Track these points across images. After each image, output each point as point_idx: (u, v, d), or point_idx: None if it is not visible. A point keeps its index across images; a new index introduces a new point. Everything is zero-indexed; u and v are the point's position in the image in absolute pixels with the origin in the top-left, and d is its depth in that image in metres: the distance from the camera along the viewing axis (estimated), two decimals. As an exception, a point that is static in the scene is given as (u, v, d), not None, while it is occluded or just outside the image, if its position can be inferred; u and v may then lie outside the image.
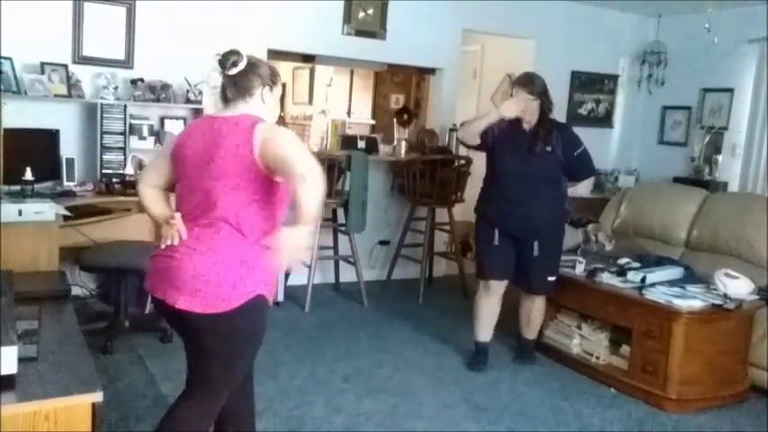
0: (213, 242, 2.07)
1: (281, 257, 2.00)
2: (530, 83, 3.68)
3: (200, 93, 4.61)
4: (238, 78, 2.17)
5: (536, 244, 3.73)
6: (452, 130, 5.76)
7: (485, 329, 3.93)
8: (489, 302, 3.89)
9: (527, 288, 3.91)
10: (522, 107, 3.62)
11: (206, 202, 2.09)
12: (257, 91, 2.19)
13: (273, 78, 2.25)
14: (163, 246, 2.12)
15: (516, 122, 3.71)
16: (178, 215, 2.13)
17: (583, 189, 6.21)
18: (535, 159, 3.65)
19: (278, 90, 2.29)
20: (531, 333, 4.04)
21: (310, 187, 1.96)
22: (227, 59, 2.17)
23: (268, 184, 2.09)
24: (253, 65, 2.19)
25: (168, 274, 2.09)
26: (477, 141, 3.74)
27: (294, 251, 2.01)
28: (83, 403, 1.69)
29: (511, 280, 3.88)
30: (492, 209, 3.80)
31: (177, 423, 2.18)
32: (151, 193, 2.28)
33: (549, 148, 3.65)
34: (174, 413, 2.20)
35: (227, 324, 2.08)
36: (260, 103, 2.21)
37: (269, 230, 2.10)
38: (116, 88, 4.35)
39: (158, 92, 4.45)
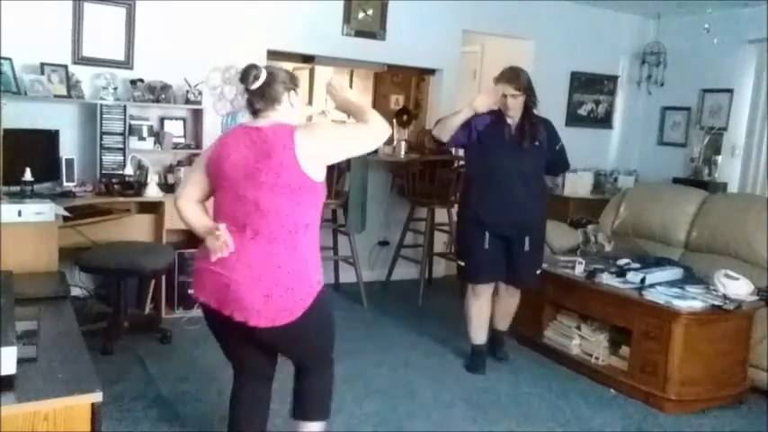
0: (270, 254, 2.16)
1: None
2: (515, 78, 3.60)
3: (200, 93, 4.61)
4: (264, 90, 2.25)
5: (527, 239, 3.71)
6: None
7: (479, 331, 3.89)
8: (480, 304, 3.85)
9: (515, 283, 3.89)
10: (494, 100, 3.57)
11: (254, 212, 2.16)
12: (284, 97, 2.28)
13: (294, 81, 2.34)
14: (213, 258, 2.18)
15: (500, 119, 3.66)
16: (223, 226, 2.18)
17: (583, 189, 6.22)
18: (524, 155, 3.63)
19: (301, 91, 2.38)
20: (506, 325, 4.07)
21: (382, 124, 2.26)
22: (247, 75, 2.24)
23: (310, 186, 2.19)
24: (272, 74, 2.26)
25: (233, 293, 2.16)
26: (447, 138, 3.68)
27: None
28: (82, 403, 1.69)
29: (500, 280, 3.86)
30: (482, 209, 3.68)
31: (315, 395, 2.50)
32: (191, 208, 2.35)
33: (536, 143, 3.65)
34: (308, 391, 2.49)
35: (305, 324, 2.21)
36: (289, 108, 2.30)
37: (309, 231, 2.23)
38: (116, 89, 4.35)
39: (158, 92, 4.45)
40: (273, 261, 2.16)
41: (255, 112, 2.28)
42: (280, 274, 2.16)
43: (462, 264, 3.84)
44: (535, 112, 3.71)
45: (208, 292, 2.23)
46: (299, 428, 2.51)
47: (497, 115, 3.67)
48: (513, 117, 3.65)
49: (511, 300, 3.98)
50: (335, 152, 2.31)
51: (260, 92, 2.24)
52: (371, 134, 2.27)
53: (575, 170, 6.28)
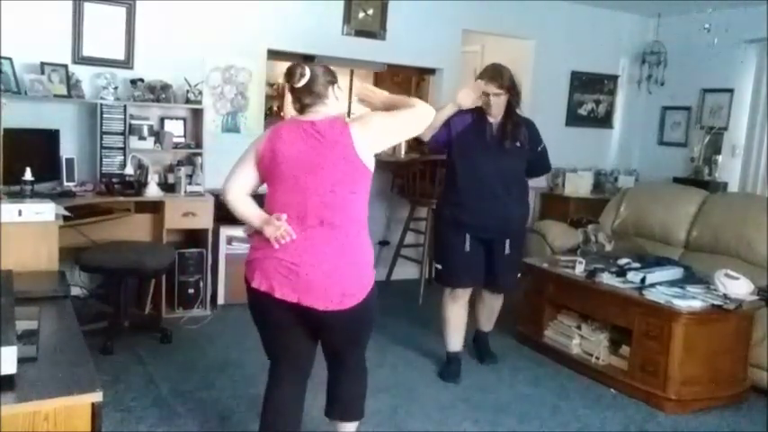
0: (334, 241, 2.27)
1: None
2: (498, 76, 3.48)
3: (200, 93, 4.61)
4: (310, 86, 2.35)
5: (507, 242, 3.63)
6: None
7: (456, 338, 3.77)
8: (457, 310, 3.73)
9: (494, 288, 3.80)
10: (478, 95, 3.45)
11: (316, 203, 2.27)
12: (330, 91, 2.39)
13: (334, 75, 2.45)
14: (276, 246, 2.26)
15: (481, 118, 3.56)
16: (284, 216, 2.27)
17: (583, 189, 6.22)
18: (506, 155, 3.53)
19: (341, 81, 2.50)
20: (491, 326, 4.04)
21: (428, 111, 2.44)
22: (293, 74, 2.34)
23: (366, 175, 2.33)
24: (314, 71, 2.37)
25: (302, 278, 2.25)
26: (429, 137, 3.51)
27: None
28: (82, 403, 1.69)
29: (479, 284, 3.77)
30: (464, 211, 3.55)
31: (351, 395, 2.58)
32: (243, 200, 2.41)
33: (518, 144, 3.54)
34: (348, 387, 2.58)
35: (363, 308, 2.34)
36: (335, 101, 2.42)
37: (364, 219, 2.37)
38: (116, 88, 4.35)
39: (158, 92, 4.45)
40: (337, 247, 2.27)
41: (303, 108, 2.38)
42: (344, 260, 2.28)
43: (440, 267, 3.71)
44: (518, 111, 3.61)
45: (270, 280, 2.29)
46: (336, 428, 2.59)
47: (479, 114, 3.55)
48: (496, 116, 3.54)
49: (495, 302, 3.91)
50: (388, 138, 2.43)
51: (307, 89, 2.34)
52: (418, 117, 2.43)
53: (575, 170, 6.30)
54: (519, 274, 3.83)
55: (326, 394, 2.61)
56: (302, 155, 2.28)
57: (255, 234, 2.38)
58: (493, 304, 3.94)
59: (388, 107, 2.52)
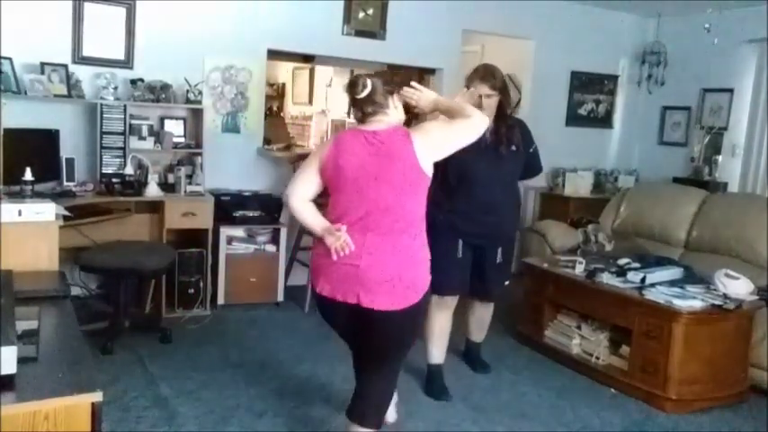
0: (395, 244, 2.40)
1: None
2: (490, 76, 3.36)
3: (200, 93, 4.61)
4: (372, 97, 2.46)
5: (500, 250, 3.52)
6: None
7: (439, 349, 3.60)
8: (444, 318, 3.57)
9: (483, 296, 3.69)
10: (473, 100, 3.16)
11: (379, 210, 2.39)
12: (390, 101, 2.50)
13: (391, 85, 2.54)
14: (334, 257, 2.39)
15: None
16: (344, 228, 2.39)
17: (583, 189, 6.22)
18: (502, 161, 3.39)
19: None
20: (482, 336, 3.93)
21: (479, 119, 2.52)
22: (356, 85, 2.46)
23: (426, 182, 2.45)
24: (374, 82, 2.47)
25: (360, 279, 2.38)
26: None
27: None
28: (82, 403, 1.69)
29: (467, 292, 3.63)
30: (458, 218, 3.39)
31: (374, 400, 2.63)
32: (306, 207, 2.53)
33: (513, 147, 3.41)
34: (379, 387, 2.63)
35: (416, 311, 2.47)
36: (394, 109, 2.53)
37: (423, 224, 2.50)
38: (116, 88, 4.35)
39: (158, 92, 4.45)
40: (397, 251, 2.40)
41: (364, 117, 2.49)
42: (403, 263, 2.41)
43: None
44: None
45: (333, 284, 2.43)
46: (350, 428, 2.62)
47: None
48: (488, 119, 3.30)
49: (486, 311, 3.83)
50: (447, 148, 2.49)
51: (369, 99, 2.45)
52: (475, 128, 2.52)
53: (575, 170, 6.30)
54: (507, 282, 3.68)
55: (353, 396, 2.67)
56: (366, 164, 2.40)
57: (317, 241, 2.51)
58: (483, 314, 3.85)
59: (437, 110, 2.67)
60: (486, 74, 3.38)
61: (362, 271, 2.37)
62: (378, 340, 2.52)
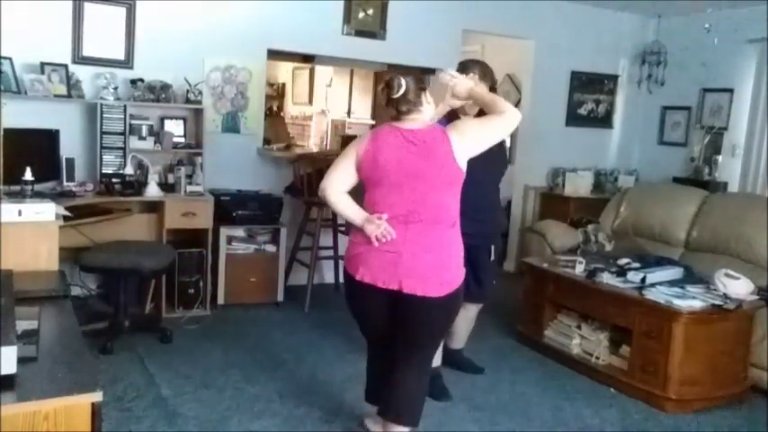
0: (433, 236, 2.54)
1: None
2: (475, 66, 3.32)
3: (200, 93, 4.61)
4: (407, 96, 2.56)
5: (492, 248, 3.52)
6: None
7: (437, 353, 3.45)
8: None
9: (479, 297, 3.55)
10: (472, 84, 2.92)
11: (418, 204, 2.52)
12: (422, 98, 2.60)
13: (423, 82, 2.72)
14: (376, 244, 2.52)
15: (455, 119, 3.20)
16: (385, 217, 2.53)
17: (583, 189, 6.22)
18: (492, 160, 3.16)
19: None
20: (458, 343, 3.79)
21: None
22: (392, 86, 2.57)
23: (461, 178, 2.57)
24: (408, 81, 2.57)
25: (404, 266, 2.51)
26: None
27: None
28: (82, 403, 1.69)
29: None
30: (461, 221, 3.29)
31: (410, 397, 2.69)
32: (343, 199, 2.64)
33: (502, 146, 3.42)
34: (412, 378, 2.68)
35: (455, 298, 2.61)
36: (427, 105, 2.64)
37: (458, 216, 2.61)
38: (116, 88, 4.35)
39: (158, 92, 4.45)
40: (435, 240, 2.54)
41: (399, 115, 2.60)
42: (442, 252, 2.55)
43: None
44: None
45: (374, 271, 2.55)
46: (387, 428, 2.69)
47: (450, 118, 3.04)
48: (470, 115, 3.19)
49: (473, 313, 3.68)
50: (482, 145, 2.60)
51: (404, 98, 2.56)
52: (509, 123, 2.62)
53: (575, 170, 6.30)
54: (494, 281, 3.65)
55: (386, 393, 2.70)
56: (405, 161, 2.53)
57: (355, 230, 2.63)
58: (473, 315, 3.71)
59: (472, 99, 2.84)
60: (471, 63, 3.37)
61: (405, 258, 2.51)
62: (416, 327, 2.62)
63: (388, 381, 2.70)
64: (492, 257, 3.56)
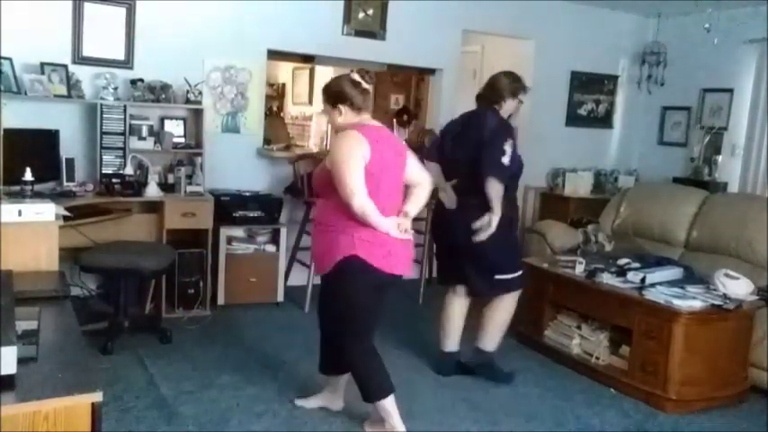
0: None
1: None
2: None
3: (200, 93, 4.61)
4: (369, 93, 2.80)
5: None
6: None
7: (452, 339, 3.77)
8: (451, 308, 3.75)
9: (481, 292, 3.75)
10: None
11: (396, 199, 2.84)
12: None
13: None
14: (401, 237, 2.80)
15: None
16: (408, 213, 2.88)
17: (583, 189, 6.22)
18: None
19: None
20: (490, 344, 3.77)
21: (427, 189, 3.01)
22: (364, 77, 2.75)
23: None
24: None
25: (397, 255, 2.81)
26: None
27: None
28: (82, 403, 1.69)
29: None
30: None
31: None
32: (373, 206, 2.72)
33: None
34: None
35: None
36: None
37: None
38: (116, 88, 4.35)
39: (158, 92, 4.45)
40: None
41: (359, 111, 2.78)
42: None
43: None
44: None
45: (403, 262, 2.86)
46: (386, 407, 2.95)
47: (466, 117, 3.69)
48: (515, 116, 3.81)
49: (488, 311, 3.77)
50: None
51: (369, 95, 2.78)
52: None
53: (575, 170, 6.30)
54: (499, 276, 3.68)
55: (386, 373, 2.96)
56: (394, 158, 2.79)
57: (364, 228, 2.73)
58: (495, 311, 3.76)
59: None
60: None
61: (406, 245, 2.86)
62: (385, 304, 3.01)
63: (380, 359, 2.96)
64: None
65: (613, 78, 6.62)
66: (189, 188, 4.46)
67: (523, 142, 6.19)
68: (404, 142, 2.83)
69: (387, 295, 2.97)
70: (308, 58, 5.53)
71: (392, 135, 2.91)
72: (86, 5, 4.30)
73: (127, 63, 4.49)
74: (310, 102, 8.62)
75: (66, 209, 3.54)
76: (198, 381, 3.45)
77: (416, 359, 3.99)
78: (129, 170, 4.24)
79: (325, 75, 8.27)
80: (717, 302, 3.52)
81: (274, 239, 4.77)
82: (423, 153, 3.69)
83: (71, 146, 4.31)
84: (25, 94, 4.03)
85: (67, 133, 4.29)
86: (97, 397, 1.70)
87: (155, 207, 4.39)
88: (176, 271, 4.31)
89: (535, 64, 6.13)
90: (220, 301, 4.61)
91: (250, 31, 4.85)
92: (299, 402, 3.24)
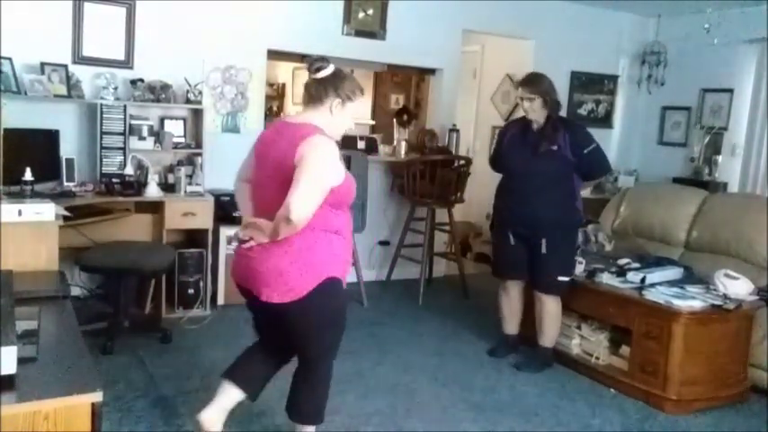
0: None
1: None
2: (530, 82, 3.77)
3: (200, 93, 4.61)
4: (315, 85, 2.34)
5: (544, 242, 3.74)
6: (452, 130, 5.76)
7: (507, 324, 4.12)
8: (508, 299, 4.05)
9: (534, 285, 3.90)
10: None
11: (268, 199, 2.29)
12: (328, 101, 2.34)
13: (351, 94, 2.38)
14: (247, 246, 2.32)
15: (527, 124, 3.81)
16: (256, 220, 2.33)
17: (583, 190, 6.21)
18: (540, 158, 3.70)
19: (352, 106, 2.40)
20: (542, 339, 3.93)
21: (288, 226, 2.17)
22: (312, 64, 2.37)
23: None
24: (335, 75, 2.35)
25: (253, 270, 2.35)
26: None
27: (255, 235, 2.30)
28: (82, 403, 1.69)
29: (523, 278, 3.94)
30: (503, 209, 3.93)
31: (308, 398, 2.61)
32: (241, 188, 2.53)
33: (554, 147, 3.69)
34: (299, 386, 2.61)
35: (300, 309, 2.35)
36: (328, 114, 2.35)
37: (329, 223, 2.33)
38: (116, 88, 4.35)
39: (158, 92, 4.45)
40: (281, 244, 2.32)
41: (303, 106, 2.43)
42: (283, 257, 2.32)
43: (492, 260, 4.18)
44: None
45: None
46: (296, 429, 2.61)
47: (527, 121, 3.81)
48: (536, 120, 3.76)
49: (541, 307, 3.89)
50: (294, 180, 2.21)
51: (312, 86, 2.35)
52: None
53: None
54: (561, 278, 3.78)
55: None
56: (265, 149, 2.43)
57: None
58: (539, 310, 3.89)
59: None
60: (526, 79, 3.81)
61: (254, 260, 2.38)
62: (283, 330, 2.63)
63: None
64: (544, 250, 3.74)
65: (613, 78, 6.63)
66: (189, 188, 4.46)
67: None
68: (302, 141, 2.24)
69: None
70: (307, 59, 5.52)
71: (284, 128, 2.37)
72: (86, 5, 4.30)
73: (127, 63, 4.49)
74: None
75: (66, 209, 3.54)
76: (198, 381, 3.45)
77: (416, 359, 4.00)
78: (129, 170, 4.24)
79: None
80: (717, 302, 3.52)
81: (274, 239, 4.76)
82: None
83: (71, 146, 4.32)
84: (25, 94, 4.03)
85: (67, 133, 4.29)
86: (97, 397, 1.70)
87: (155, 207, 4.39)
88: (176, 271, 4.31)
89: (535, 64, 6.12)
90: (220, 300, 4.61)
91: (250, 31, 4.85)
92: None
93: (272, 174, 2.29)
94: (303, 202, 2.16)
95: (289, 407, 2.66)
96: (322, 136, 2.28)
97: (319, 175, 2.22)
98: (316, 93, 2.34)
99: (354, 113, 2.46)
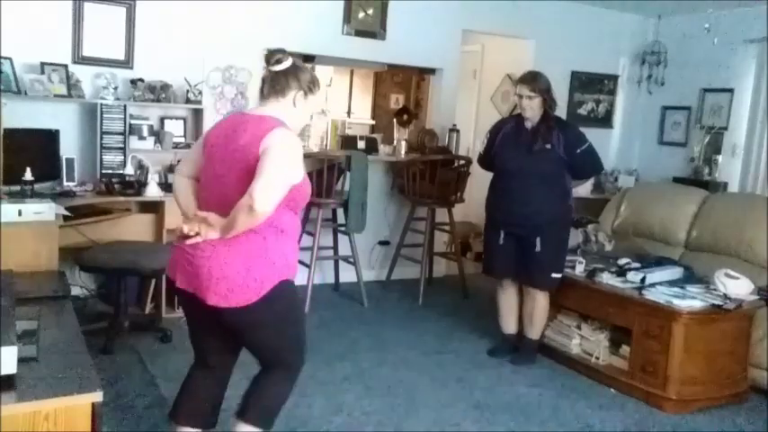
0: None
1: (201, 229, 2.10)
2: (531, 80, 3.76)
3: (200, 93, 4.61)
4: (276, 77, 2.25)
5: (538, 240, 3.75)
6: (452, 130, 5.76)
7: (505, 323, 4.10)
8: (506, 297, 4.05)
9: (529, 283, 3.91)
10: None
11: (222, 195, 2.15)
12: (291, 93, 2.26)
13: (311, 86, 2.31)
14: (191, 242, 2.12)
15: (521, 122, 3.80)
16: (205, 214, 2.12)
17: (583, 189, 6.19)
18: (533, 157, 3.71)
19: (313, 98, 2.34)
20: (532, 332, 4.00)
21: (249, 216, 2.02)
22: (272, 56, 2.25)
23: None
24: (296, 67, 2.27)
25: (198, 270, 2.17)
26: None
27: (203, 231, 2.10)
28: (82, 403, 1.69)
29: (513, 276, 3.95)
30: (497, 209, 3.91)
31: (267, 397, 2.47)
32: (183, 183, 2.39)
33: (548, 146, 3.69)
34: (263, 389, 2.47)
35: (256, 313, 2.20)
36: (290, 106, 2.28)
37: (285, 223, 2.22)
38: (116, 88, 4.34)
39: (158, 92, 4.45)
40: (234, 243, 2.16)
41: (262, 97, 2.29)
42: (236, 258, 2.17)
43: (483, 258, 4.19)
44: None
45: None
46: (235, 427, 2.40)
47: (519, 119, 3.82)
48: (531, 119, 3.75)
49: (533, 303, 3.93)
50: (258, 171, 2.08)
51: (273, 78, 2.25)
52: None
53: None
54: (554, 275, 3.83)
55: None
56: (221, 142, 2.28)
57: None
58: (531, 306, 3.94)
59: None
60: (527, 77, 3.80)
61: (202, 261, 2.22)
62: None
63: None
64: (538, 248, 3.75)
65: (613, 78, 6.62)
66: (189, 188, 4.45)
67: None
68: (266, 134, 2.13)
69: None
70: (307, 58, 5.52)
71: (245, 120, 2.24)
72: (86, 5, 4.30)
73: (127, 63, 4.48)
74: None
75: (66, 208, 3.55)
76: (198, 381, 3.45)
77: (416, 359, 4.00)
78: (129, 170, 4.24)
79: (325, 75, 8.29)
80: (717, 302, 3.52)
81: (274, 239, 4.75)
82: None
83: (71, 146, 4.31)
84: (25, 93, 4.03)
85: (67, 133, 4.29)
86: (97, 397, 1.70)
87: (155, 207, 4.39)
88: (176, 271, 4.30)
89: (535, 64, 6.12)
90: (220, 300, 4.59)
91: (250, 31, 4.85)
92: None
93: (231, 167, 2.16)
94: (268, 192, 2.03)
95: (242, 407, 2.47)
96: (288, 129, 2.21)
97: (286, 168, 2.12)
98: (279, 85, 2.24)
99: (312, 107, 2.39)
